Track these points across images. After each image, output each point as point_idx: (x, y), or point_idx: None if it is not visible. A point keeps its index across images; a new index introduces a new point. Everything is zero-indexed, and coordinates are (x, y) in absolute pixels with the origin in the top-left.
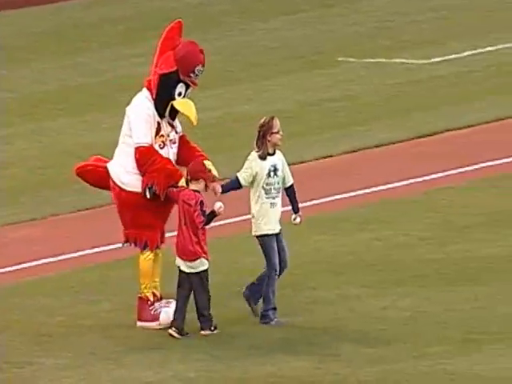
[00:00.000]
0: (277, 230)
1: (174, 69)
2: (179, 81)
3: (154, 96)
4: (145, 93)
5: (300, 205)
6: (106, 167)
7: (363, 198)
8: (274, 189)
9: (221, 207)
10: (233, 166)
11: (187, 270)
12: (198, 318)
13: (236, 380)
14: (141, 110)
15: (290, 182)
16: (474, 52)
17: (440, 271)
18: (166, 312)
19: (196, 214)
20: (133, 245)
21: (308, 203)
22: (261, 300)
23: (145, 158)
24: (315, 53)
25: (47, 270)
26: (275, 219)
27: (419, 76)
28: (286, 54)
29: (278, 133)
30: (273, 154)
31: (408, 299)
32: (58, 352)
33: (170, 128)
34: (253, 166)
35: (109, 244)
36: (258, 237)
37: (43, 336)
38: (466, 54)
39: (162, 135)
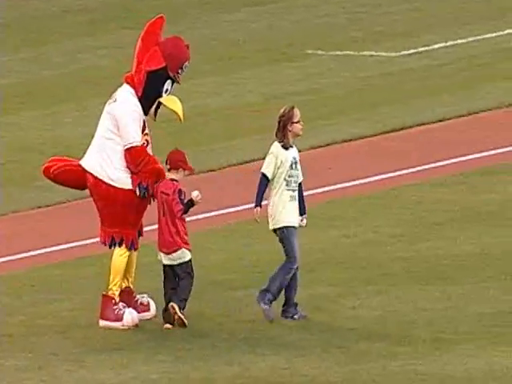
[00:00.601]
0: (296, 224)
1: (163, 65)
2: (167, 77)
3: (139, 93)
4: (129, 89)
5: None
6: (79, 165)
7: (330, 195)
8: (294, 182)
9: (198, 195)
10: (197, 162)
11: (169, 263)
12: (171, 299)
13: (200, 381)
14: (129, 107)
15: (301, 178)
16: (445, 45)
17: (410, 269)
18: (131, 313)
19: (174, 202)
20: (113, 244)
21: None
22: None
23: (138, 158)
24: (283, 45)
25: (7, 267)
26: (295, 212)
27: (389, 69)
28: (253, 47)
29: (298, 122)
30: (292, 146)
31: (378, 298)
32: (18, 353)
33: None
34: (278, 155)
35: (70, 242)
36: (277, 229)
37: (3, 336)
38: (436, 46)
39: (147, 133)
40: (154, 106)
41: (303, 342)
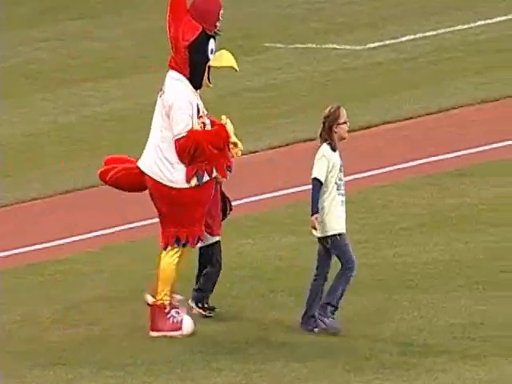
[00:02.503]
0: (345, 230)
1: (200, 30)
2: (208, 38)
3: (187, 72)
4: (174, 75)
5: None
6: (137, 167)
7: (291, 198)
8: (344, 185)
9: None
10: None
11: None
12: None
13: None
14: (177, 98)
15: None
16: (413, 37)
17: (376, 277)
18: (188, 319)
19: None
20: (178, 244)
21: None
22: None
23: (185, 149)
24: (239, 37)
25: None
26: (344, 218)
27: (353, 63)
28: None
29: (345, 123)
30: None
31: (342, 307)
32: None
33: (202, 105)
34: (330, 158)
35: (19, 247)
36: (327, 237)
37: None
38: (404, 39)
39: (201, 116)
40: (206, 74)
41: (261, 356)
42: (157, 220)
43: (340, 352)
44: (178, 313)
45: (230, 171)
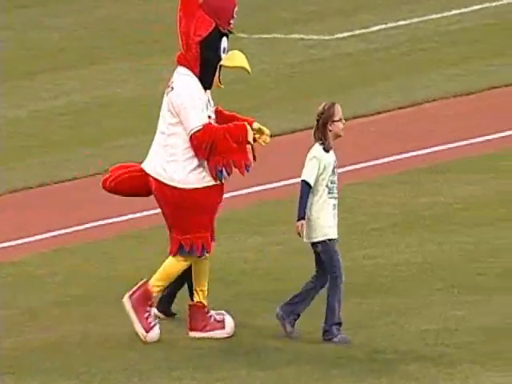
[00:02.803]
0: (336, 236)
1: (213, 26)
2: (221, 36)
3: (197, 70)
4: (183, 71)
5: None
6: (142, 169)
7: (257, 197)
8: (336, 188)
9: None
10: (101, 159)
11: None
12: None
13: None
14: (187, 94)
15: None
16: (384, 26)
17: (346, 280)
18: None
19: None
20: (181, 252)
21: None
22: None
23: (202, 143)
24: None
25: None
26: (336, 223)
27: (321, 54)
28: (165, 29)
29: (340, 121)
30: (331, 148)
31: (310, 312)
32: None
33: (211, 106)
34: (321, 160)
35: None
36: (318, 243)
37: None
38: (375, 28)
39: (209, 116)
40: (217, 73)
41: (225, 364)
42: (114, 219)
43: (308, 359)
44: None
45: (247, 170)
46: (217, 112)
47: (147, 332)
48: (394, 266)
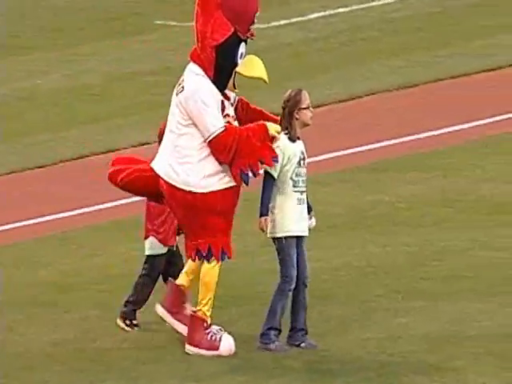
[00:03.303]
0: (301, 233)
1: (232, 31)
2: (240, 41)
3: (211, 73)
4: (196, 69)
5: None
6: (151, 168)
7: None
8: (303, 181)
9: None
10: (22, 157)
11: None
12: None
13: None
14: (200, 94)
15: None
16: (323, 14)
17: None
18: (228, 339)
19: None
20: (200, 257)
21: (118, 202)
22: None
23: (225, 146)
24: (128, 14)
25: None
26: (303, 219)
27: (256, 44)
28: (91, 16)
29: (307, 109)
30: (299, 138)
31: (244, 321)
32: None
33: (228, 103)
34: (285, 150)
35: None
36: (275, 239)
37: None
38: (313, 16)
39: (228, 114)
40: (232, 79)
41: (156, 375)
42: (38, 220)
43: (239, 371)
44: (219, 330)
45: (276, 161)
46: (241, 102)
47: (218, 349)
48: (334, 269)
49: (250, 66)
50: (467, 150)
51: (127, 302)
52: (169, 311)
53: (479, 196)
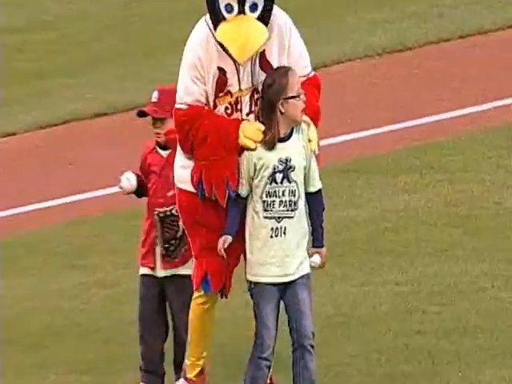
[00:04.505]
0: (281, 279)
1: None
2: None
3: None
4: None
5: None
6: None
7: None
8: (282, 203)
9: None
10: None
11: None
12: None
13: None
14: (191, 46)
15: (314, 187)
16: None
17: None
18: None
19: None
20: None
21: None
22: None
23: (178, 129)
24: None
25: None
26: (281, 256)
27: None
28: None
29: (297, 97)
30: (288, 138)
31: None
32: None
33: (251, 74)
34: (251, 158)
35: None
36: (247, 281)
37: None
38: None
39: (229, 92)
40: None
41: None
42: None
43: None
44: None
45: (234, 191)
46: None
47: None
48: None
49: (230, 29)
50: (483, 142)
51: None
52: None
53: (501, 209)
